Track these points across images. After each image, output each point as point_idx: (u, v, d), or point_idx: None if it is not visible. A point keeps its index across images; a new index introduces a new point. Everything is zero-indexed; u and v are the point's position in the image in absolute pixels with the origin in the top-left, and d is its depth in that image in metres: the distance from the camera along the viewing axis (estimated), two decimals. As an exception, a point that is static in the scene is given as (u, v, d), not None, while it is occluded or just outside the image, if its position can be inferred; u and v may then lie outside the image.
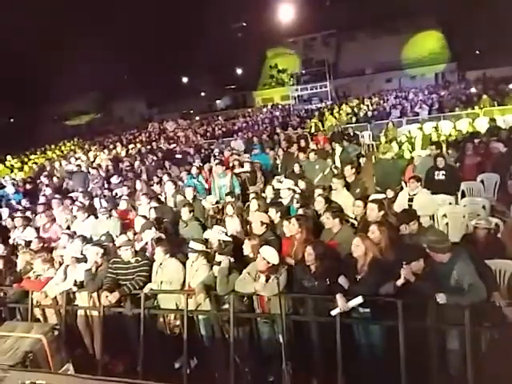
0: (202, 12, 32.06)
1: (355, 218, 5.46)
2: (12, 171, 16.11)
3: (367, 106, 19.70)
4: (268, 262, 4.12)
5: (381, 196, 6.00)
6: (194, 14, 31.89)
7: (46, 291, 5.26)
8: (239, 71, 43.06)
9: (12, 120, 37.75)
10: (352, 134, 12.24)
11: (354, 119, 16.65)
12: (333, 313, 3.79)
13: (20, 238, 6.87)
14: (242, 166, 8.61)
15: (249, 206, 6.27)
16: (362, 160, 8.79)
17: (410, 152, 8.02)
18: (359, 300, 3.69)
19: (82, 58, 28.15)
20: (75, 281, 5.16)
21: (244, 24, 38.63)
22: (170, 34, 33.17)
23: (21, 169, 16.41)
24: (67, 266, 5.42)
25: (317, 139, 11.62)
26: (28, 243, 6.49)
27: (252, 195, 6.62)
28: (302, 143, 10.43)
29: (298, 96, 33.56)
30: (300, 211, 5.60)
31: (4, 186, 11.48)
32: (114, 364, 4.92)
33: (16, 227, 7.31)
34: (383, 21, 34.32)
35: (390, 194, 6.48)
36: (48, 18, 25.63)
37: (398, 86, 32.32)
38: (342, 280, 3.92)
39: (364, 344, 4.02)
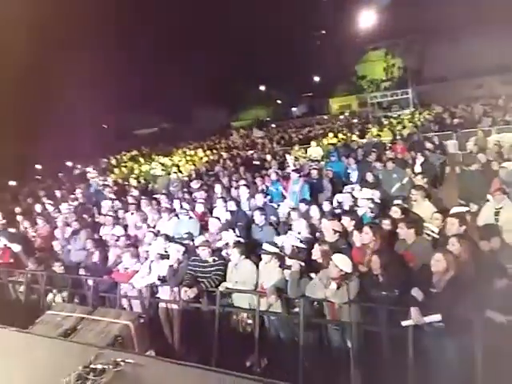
0: (281, 21, 32.58)
1: (437, 232, 5.24)
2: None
3: (452, 113, 18.56)
4: (341, 270, 4.15)
5: (463, 209, 5.69)
6: (273, 24, 32.51)
7: (132, 283, 5.79)
8: (316, 78, 42.99)
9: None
10: (435, 142, 11.64)
11: (436, 127, 15.79)
12: (404, 324, 3.72)
13: (109, 235, 7.56)
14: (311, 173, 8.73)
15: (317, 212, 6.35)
16: (446, 170, 8.36)
17: (498, 163, 7.46)
18: (437, 317, 3.58)
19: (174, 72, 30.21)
20: (158, 275, 5.61)
21: (323, 32, 38.55)
22: (248, 43, 34.18)
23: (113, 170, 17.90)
24: (152, 261, 5.93)
25: (395, 148, 11.25)
26: (117, 239, 7.12)
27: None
28: (380, 151, 10.19)
29: (378, 103, 32.58)
30: (374, 221, 5.55)
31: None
32: (189, 355, 5.24)
33: (106, 224, 8.05)
34: (471, 24, 31.97)
35: (474, 207, 6.11)
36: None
37: (487, 92, 29.85)
38: (415, 292, 3.82)
39: (436, 357, 3.87)
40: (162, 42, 30.00)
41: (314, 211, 6.31)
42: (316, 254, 4.71)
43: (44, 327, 4.30)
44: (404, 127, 16.16)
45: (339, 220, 5.58)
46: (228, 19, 32.36)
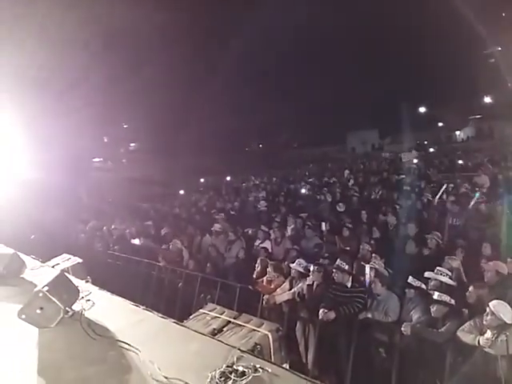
0: (449, 42, 30.29)
1: None
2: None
3: None
4: (499, 319, 3.66)
5: None
6: (441, 45, 30.44)
7: (274, 295, 6.09)
8: (487, 99, 38.45)
9: (260, 146, 44.49)
10: None
11: None
12: None
13: (259, 247, 8.09)
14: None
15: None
16: None
17: None
18: None
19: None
20: (298, 292, 5.78)
21: (499, 48, 34.34)
22: (406, 62, 32.67)
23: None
24: (293, 277, 6.15)
25: None
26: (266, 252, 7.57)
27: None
28: None
29: None
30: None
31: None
32: (321, 376, 5.23)
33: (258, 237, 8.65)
34: None
35: None
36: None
37: None
38: None
39: None
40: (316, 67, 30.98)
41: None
42: (472, 296, 4.26)
43: (196, 324, 4.85)
44: None
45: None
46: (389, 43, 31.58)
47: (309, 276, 5.84)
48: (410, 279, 4.78)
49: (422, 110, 41.56)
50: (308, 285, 5.63)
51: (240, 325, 4.73)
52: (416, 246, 6.20)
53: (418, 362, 4.52)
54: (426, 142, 36.91)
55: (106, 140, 32.14)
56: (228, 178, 23.78)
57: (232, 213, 11.93)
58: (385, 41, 31.63)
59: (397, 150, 28.33)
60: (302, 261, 6.28)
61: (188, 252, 8.49)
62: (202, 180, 25.01)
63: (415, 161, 21.56)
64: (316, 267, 5.81)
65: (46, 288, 4.28)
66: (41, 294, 4.23)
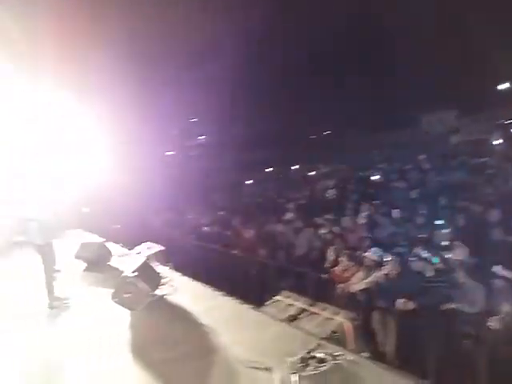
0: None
1: None
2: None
3: None
4: None
5: None
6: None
7: (348, 284, 6.01)
8: None
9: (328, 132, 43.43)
10: None
11: None
12: None
13: (331, 236, 7.98)
14: None
15: None
16: None
17: None
18: None
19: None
20: (375, 282, 5.65)
21: None
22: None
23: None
24: (368, 266, 6.02)
25: None
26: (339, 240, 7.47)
27: None
28: None
29: None
30: None
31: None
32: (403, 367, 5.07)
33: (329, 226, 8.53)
34: None
35: None
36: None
37: None
38: None
39: None
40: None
41: None
42: None
43: (272, 310, 4.95)
44: None
45: None
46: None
47: (384, 265, 5.67)
48: (498, 268, 4.44)
49: (505, 86, 37.73)
50: (385, 274, 5.47)
51: (316, 313, 4.76)
52: (503, 233, 5.71)
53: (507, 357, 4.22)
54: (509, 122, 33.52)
55: (175, 133, 33.65)
56: (296, 167, 23.70)
57: (301, 202, 11.90)
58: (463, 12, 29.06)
59: (477, 131, 26.08)
60: (377, 249, 6.12)
61: (259, 240, 8.66)
62: (270, 169, 25.23)
63: (498, 142, 19.75)
64: (393, 256, 5.63)
65: (133, 274, 4.65)
66: (128, 280, 4.61)
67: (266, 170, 25.16)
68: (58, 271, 6.05)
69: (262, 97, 27.54)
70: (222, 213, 11.99)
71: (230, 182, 20.92)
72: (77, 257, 6.97)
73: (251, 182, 20.63)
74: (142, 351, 3.75)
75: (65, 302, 5.23)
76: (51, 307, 5.12)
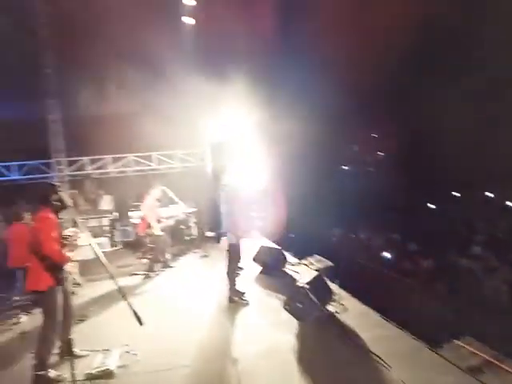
0: None
1: None
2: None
3: None
4: None
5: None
6: None
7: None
8: None
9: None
10: None
11: None
12: None
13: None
14: None
15: None
16: None
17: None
18: None
19: None
20: None
21: None
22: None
23: None
24: None
25: None
26: None
27: None
28: None
29: None
30: None
31: None
32: None
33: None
34: None
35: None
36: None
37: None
38: None
39: None
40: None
41: None
42: None
43: (451, 355, 4.32)
44: None
45: None
46: None
47: None
48: None
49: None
50: None
51: (505, 369, 4.07)
52: None
53: None
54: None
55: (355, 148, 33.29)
56: (489, 194, 20.46)
57: (497, 235, 10.30)
58: None
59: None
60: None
61: (438, 272, 7.89)
62: (457, 194, 22.47)
63: None
64: None
65: (307, 286, 4.79)
66: (302, 291, 4.77)
67: (453, 194, 22.42)
68: (242, 269, 6.71)
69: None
70: (395, 235, 11.34)
71: (408, 202, 19.45)
72: (255, 259, 7.51)
73: (433, 206, 18.77)
74: (309, 364, 3.79)
75: (244, 298, 5.71)
76: (231, 301, 5.66)
